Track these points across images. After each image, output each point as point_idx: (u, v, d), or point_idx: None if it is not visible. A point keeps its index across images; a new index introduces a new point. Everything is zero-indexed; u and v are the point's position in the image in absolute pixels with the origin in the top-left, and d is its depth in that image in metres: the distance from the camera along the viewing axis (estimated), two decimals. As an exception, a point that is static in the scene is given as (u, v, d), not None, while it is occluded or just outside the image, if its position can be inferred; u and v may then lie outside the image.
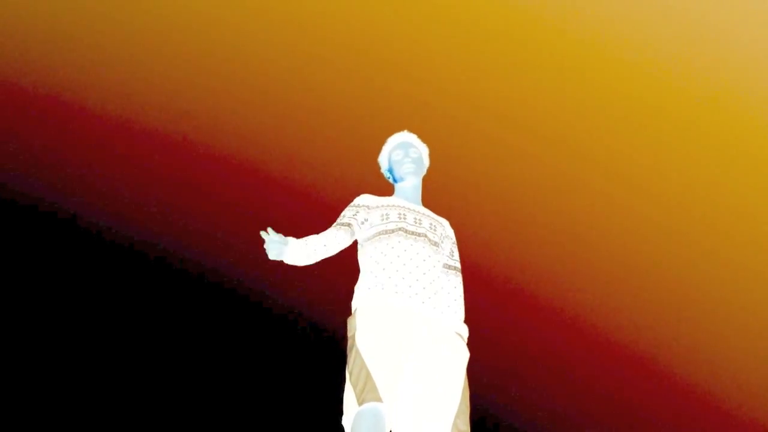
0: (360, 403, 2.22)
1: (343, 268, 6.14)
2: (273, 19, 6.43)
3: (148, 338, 5.55)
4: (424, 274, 2.51)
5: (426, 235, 2.61)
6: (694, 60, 6.12)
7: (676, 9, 5.99)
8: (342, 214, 2.72)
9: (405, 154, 2.82)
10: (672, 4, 6.00)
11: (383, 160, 2.90)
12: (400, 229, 2.59)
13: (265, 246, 2.45)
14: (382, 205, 2.70)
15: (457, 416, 2.31)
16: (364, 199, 2.75)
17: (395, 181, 2.84)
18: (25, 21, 6.05)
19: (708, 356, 5.72)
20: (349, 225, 2.64)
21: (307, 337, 5.86)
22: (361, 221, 2.67)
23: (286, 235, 6.63)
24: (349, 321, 2.45)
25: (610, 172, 6.27)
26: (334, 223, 2.66)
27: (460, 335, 2.53)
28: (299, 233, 6.26)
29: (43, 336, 5.36)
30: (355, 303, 2.49)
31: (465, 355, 2.47)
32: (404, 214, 2.65)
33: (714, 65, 6.06)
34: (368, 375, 2.26)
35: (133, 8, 6.21)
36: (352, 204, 2.75)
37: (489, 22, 6.32)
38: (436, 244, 2.62)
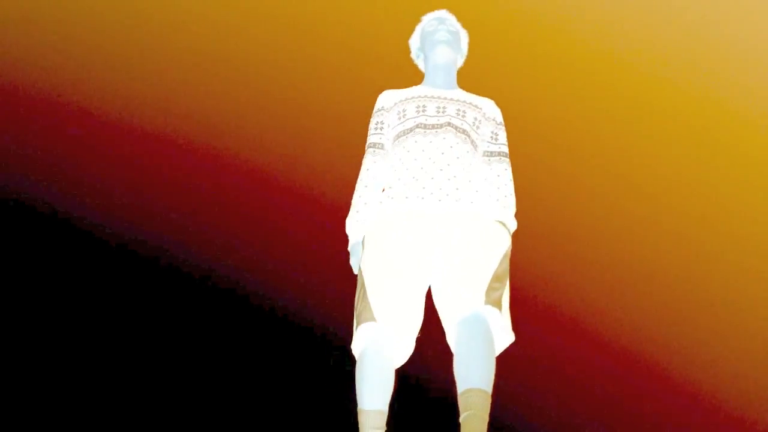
0: (356, 326, 1.95)
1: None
2: (273, 18, 6.44)
3: (148, 341, 5.54)
4: (441, 170, 2.05)
5: (450, 123, 2.14)
6: (695, 61, 6.13)
7: (680, 10, 6.00)
8: (369, 127, 2.27)
9: (440, 23, 2.33)
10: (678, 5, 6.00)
11: (414, 38, 2.41)
12: (417, 126, 2.14)
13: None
14: (400, 101, 2.24)
15: (492, 283, 1.91)
16: (382, 100, 2.28)
17: (425, 58, 2.34)
18: (23, 20, 6.06)
19: (709, 357, 5.72)
20: (382, 146, 2.20)
21: (322, 342, 5.85)
22: (387, 131, 2.23)
23: (286, 239, 6.65)
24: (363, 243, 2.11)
25: (611, 172, 6.27)
26: (367, 144, 2.24)
27: (501, 223, 2.08)
28: (300, 234, 6.26)
29: (40, 337, 5.36)
30: None
31: (501, 240, 2.02)
32: (424, 106, 2.18)
33: (715, 66, 6.06)
34: (365, 295, 1.95)
35: (131, 8, 6.22)
36: (374, 112, 2.29)
37: (490, 23, 6.32)
38: (464, 131, 2.14)
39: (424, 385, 5.22)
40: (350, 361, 5.84)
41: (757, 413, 5.41)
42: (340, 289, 6.06)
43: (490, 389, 1.83)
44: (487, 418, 1.78)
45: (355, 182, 2.25)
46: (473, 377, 1.81)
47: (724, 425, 5.50)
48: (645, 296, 5.93)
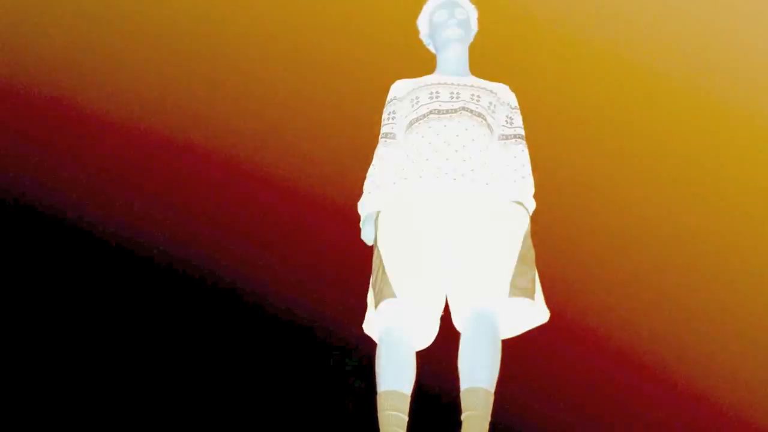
0: (376, 304, 1.91)
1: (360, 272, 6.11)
2: (273, 15, 6.42)
3: (148, 342, 5.53)
4: (456, 151, 2.04)
5: (465, 108, 2.12)
6: (697, 63, 6.10)
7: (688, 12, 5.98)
8: (382, 118, 2.27)
9: (450, 15, 2.28)
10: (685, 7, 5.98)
11: (423, 23, 2.37)
12: (431, 112, 2.13)
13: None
14: (413, 89, 2.23)
15: (515, 276, 1.90)
16: (395, 90, 2.29)
17: (436, 50, 2.34)
18: (23, 20, 6.05)
19: (710, 358, 5.70)
20: (394, 136, 2.19)
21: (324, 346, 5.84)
22: (399, 121, 2.23)
23: (286, 239, 6.63)
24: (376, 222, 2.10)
25: (612, 172, 6.26)
26: (380, 135, 2.24)
27: (519, 203, 2.07)
28: (299, 234, 6.24)
29: (39, 336, 5.35)
30: None
31: (519, 219, 2.01)
32: (437, 92, 2.17)
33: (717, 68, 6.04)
34: (383, 271, 1.93)
35: (131, 7, 6.21)
36: (387, 102, 2.29)
37: (495, 24, 6.31)
38: (480, 115, 2.12)
39: (423, 382, 5.21)
40: (350, 361, 5.83)
41: (757, 413, 5.40)
42: (341, 289, 6.05)
43: (493, 389, 1.80)
44: (488, 419, 1.76)
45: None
46: (477, 376, 1.79)
47: (724, 426, 5.49)
48: (646, 296, 5.91)
